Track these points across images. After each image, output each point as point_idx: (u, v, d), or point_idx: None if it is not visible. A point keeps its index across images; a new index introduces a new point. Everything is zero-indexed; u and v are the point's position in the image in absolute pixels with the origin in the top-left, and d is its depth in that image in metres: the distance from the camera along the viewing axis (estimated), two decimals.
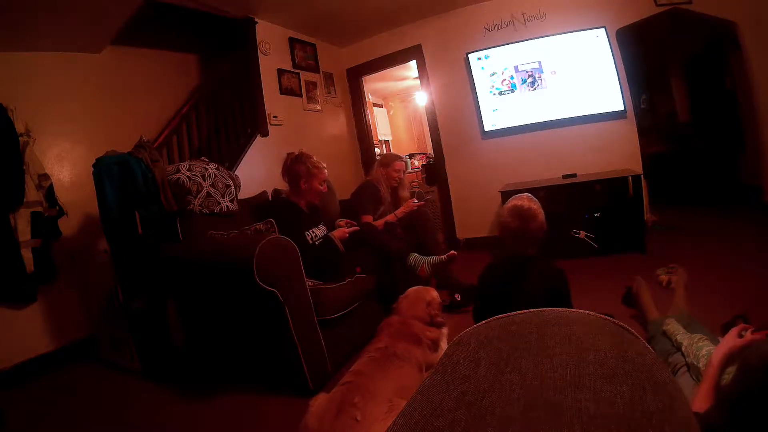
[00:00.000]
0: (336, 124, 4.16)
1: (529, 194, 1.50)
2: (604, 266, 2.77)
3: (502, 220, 1.48)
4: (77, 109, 2.78)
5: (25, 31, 2.39)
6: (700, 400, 0.95)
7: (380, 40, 4.10)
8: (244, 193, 2.50)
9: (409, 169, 5.17)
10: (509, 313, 0.33)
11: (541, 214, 1.42)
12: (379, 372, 1.36)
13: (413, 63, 4.13)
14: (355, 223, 2.41)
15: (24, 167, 2.30)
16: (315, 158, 2.33)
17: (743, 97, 3.62)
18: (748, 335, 1.04)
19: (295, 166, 2.29)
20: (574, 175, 3.26)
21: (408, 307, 1.70)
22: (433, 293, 1.79)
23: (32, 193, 2.33)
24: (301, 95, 3.64)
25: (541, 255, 1.46)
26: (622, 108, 3.28)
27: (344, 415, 1.17)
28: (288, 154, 2.36)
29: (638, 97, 4.92)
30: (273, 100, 3.30)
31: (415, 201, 2.81)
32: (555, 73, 3.43)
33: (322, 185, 2.34)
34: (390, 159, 2.95)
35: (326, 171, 2.36)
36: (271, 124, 3.24)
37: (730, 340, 1.05)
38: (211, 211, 2.15)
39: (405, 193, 2.98)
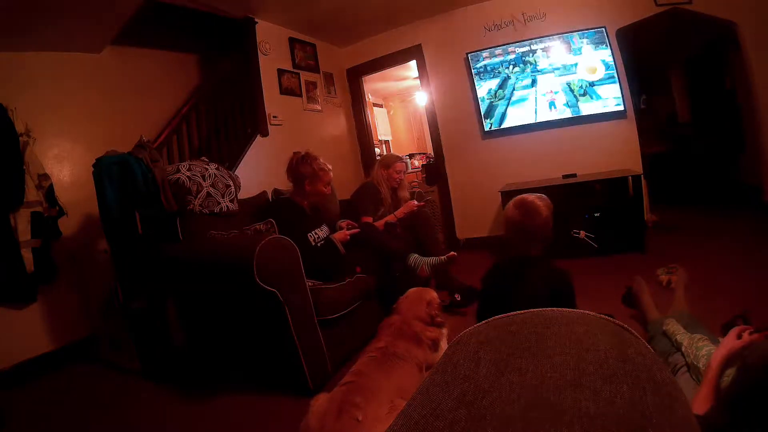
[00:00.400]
0: (336, 124, 4.16)
1: (541, 194, 1.46)
2: (604, 266, 2.77)
3: (507, 212, 1.45)
4: (77, 108, 2.78)
5: (25, 31, 2.39)
6: (699, 402, 0.95)
7: (380, 40, 4.09)
8: (244, 193, 2.50)
9: (409, 169, 5.16)
10: (509, 313, 0.33)
11: (546, 212, 1.39)
12: (379, 372, 1.36)
13: (413, 63, 4.13)
14: (356, 225, 2.41)
15: (24, 167, 2.30)
16: (321, 159, 2.30)
17: (743, 97, 3.62)
18: (746, 336, 1.04)
19: (301, 168, 2.25)
20: (574, 175, 3.26)
21: (408, 307, 1.70)
22: (433, 293, 1.79)
23: (32, 193, 2.33)
24: (301, 95, 3.64)
25: (545, 256, 1.45)
26: (622, 108, 3.28)
27: (345, 416, 1.17)
28: (294, 154, 2.33)
29: (638, 97, 4.92)
30: (273, 100, 3.30)
31: (416, 202, 2.81)
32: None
33: (326, 187, 2.32)
34: (391, 160, 2.95)
35: (332, 173, 2.34)
36: (271, 124, 3.24)
37: (729, 342, 1.04)
38: (211, 211, 2.15)
39: (405, 193, 2.97)
